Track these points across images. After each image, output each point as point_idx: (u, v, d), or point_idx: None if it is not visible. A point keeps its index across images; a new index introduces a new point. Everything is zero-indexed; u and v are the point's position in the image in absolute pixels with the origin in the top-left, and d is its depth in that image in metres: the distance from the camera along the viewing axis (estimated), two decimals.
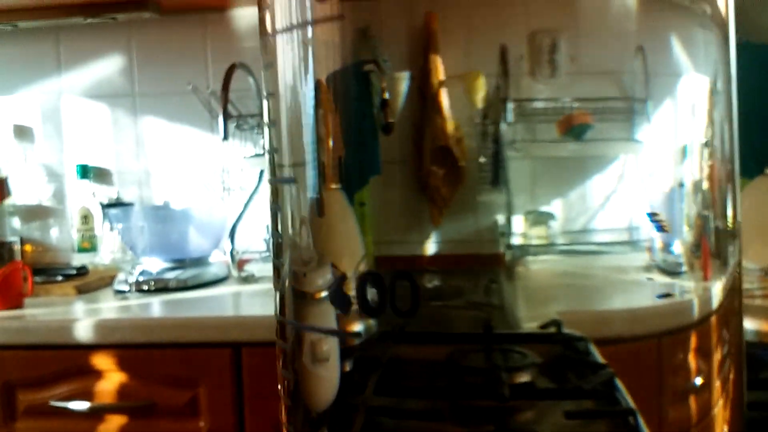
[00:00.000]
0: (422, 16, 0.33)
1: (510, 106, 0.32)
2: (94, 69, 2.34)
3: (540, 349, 0.32)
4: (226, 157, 2.29)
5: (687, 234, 0.36)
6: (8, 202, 2.29)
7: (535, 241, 0.33)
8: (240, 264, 2.08)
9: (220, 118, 1.99)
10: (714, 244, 0.36)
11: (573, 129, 0.32)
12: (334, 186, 0.37)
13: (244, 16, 2.26)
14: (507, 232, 0.33)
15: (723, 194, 0.37)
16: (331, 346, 0.37)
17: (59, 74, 2.36)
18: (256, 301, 1.88)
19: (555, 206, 0.33)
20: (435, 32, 0.32)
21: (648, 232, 0.35)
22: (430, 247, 0.34)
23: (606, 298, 0.34)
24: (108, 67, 2.34)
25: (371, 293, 0.34)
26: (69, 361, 1.68)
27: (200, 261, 2.09)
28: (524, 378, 0.31)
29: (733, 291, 0.36)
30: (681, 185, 0.35)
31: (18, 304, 1.83)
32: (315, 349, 0.38)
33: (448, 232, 0.34)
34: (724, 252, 0.37)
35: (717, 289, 0.36)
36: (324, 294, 0.37)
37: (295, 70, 0.38)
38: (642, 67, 0.34)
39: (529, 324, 0.34)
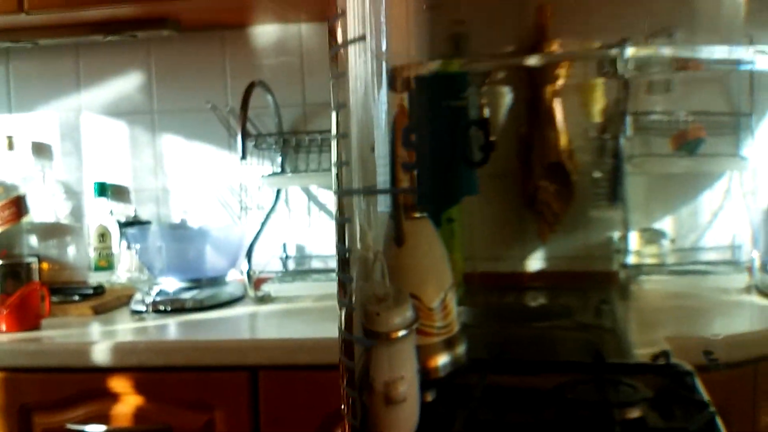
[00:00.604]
0: (530, 24, 0.31)
1: (628, 119, 0.30)
2: (114, 86, 2.34)
3: (649, 380, 0.30)
4: (243, 176, 2.28)
5: None
6: (26, 219, 2.28)
7: (648, 260, 0.31)
8: (257, 283, 2.07)
9: (239, 138, 1.98)
10: None
11: (688, 143, 0.30)
12: (417, 215, 0.34)
13: (263, 33, 2.25)
14: (623, 249, 0.31)
15: None
16: (409, 386, 0.34)
17: (78, 91, 2.35)
18: (272, 322, 1.87)
19: (666, 223, 0.32)
20: (548, 37, 0.30)
21: (749, 251, 0.34)
22: (536, 264, 0.32)
23: (710, 322, 0.33)
24: (127, 84, 2.33)
25: None
26: (85, 384, 1.66)
27: (217, 280, 2.08)
28: (635, 413, 0.29)
29: None
30: None
31: (35, 326, 1.82)
32: (390, 391, 0.35)
33: (557, 248, 0.32)
34: None
35: None
36: (401, 333, 0.34)
37: (368, 84, 0.36)
38: (748, 77, 0.33)
39: (640, 350, 0.32)
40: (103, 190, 2.29)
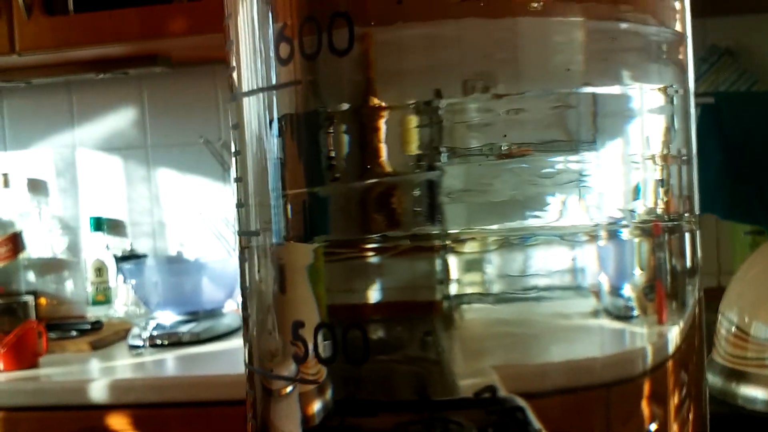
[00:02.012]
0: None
1: (444, 155, 0.31)
2: (107, 122, 2.36)
3: (476, 416, 0.31)
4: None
5: (639, 276, 0.34)
6: (23, 256, 2.30)
7: (469, 289, 0.32)
8: None
9: (232, 171, 1.98)
10: (670, 285, 0.35)
11: None
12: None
13: None
14: (443, 279, 0.32)
15: (680, 233, 0.35)
16: None
17: (72, 128, 2.37)
18: None
19: (492, 251, 0.32)
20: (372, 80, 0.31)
21: (595, 274, 0.34)
22: (375, 295, 0.33)
23: (548, 348, 0.33)
24: (121, 120, 2.35)
25: None
26: (84, 422, 1.67)
27: (213, 313, 2.08)
28: None
29: (693, 330, 0.35)
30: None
31: (33, 364, 1.82)
32: None
33: (391, 279, 0.33)
34: (682, 292, 0.35)
35: (674, 332, 0.34)
36: (289, 389, 0.35)
37: (261, 123, 0.37)
38: (590, 105, 0.33)
39: (465, 381, 0.32)
40: (99, 224, 2.30)
